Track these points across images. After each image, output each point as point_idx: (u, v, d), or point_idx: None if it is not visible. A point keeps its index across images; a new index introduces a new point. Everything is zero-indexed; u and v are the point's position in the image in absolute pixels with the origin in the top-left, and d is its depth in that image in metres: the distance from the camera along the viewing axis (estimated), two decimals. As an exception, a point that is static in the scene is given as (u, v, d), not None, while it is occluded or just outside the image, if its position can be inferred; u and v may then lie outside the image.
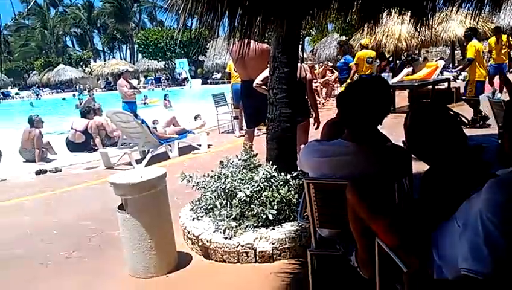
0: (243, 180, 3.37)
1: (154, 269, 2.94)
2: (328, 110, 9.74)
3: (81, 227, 4.19)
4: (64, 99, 33.85)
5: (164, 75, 39.73)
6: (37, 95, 37.63)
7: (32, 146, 7.67)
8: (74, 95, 35.00)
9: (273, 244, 3.01)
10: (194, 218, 3.52)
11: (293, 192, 3.25)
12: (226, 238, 3.08)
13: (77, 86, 40.49)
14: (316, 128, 4.52)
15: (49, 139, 8.45)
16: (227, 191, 3.36)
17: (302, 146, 3.75)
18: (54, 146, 8.44)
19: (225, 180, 3.41)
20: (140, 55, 41.25)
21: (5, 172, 6.93)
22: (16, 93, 40.28)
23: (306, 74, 4.57)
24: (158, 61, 37.54)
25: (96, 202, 4.94)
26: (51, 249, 3.71)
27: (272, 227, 3.15)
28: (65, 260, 3.47)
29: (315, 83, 10.94)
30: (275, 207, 3.14)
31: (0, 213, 4.90)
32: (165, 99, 18.32)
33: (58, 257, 3.52)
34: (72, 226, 4.24)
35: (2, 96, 36.51)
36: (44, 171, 6.82)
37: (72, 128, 8.43)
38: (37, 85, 42.87)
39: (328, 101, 12.66)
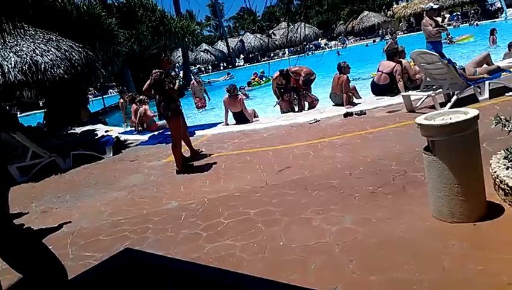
0: None
1: (460, 215, 2.81)
2: None
3: (385, 166, 4.41)
4: (367, 45, 35.25)
5: (473, 10, 35.23)
6: (343, 43, 40.69)
7: (341, 91, 8.45)
8: (374, 41, 35.88)
9: None
10: (508, 167, 3.11)
11: None
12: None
13: (379, 31, 41.22)
14: None
15: (354, 84, 9.10)
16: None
17: None
18: (359, 91, 9.06)
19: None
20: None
21: (319, 114, 7.98)
22: (325, 44, 44.79)
23: None
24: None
25: (398, 144, 5.07)
26: (358, 183, 4.10)
27: None
28: (370, 194, 3.77)
29: None
30: None
31: (316, 149, 5.72)
32: (491, 34, 16.21)
33: (364, 191, 3.87)
34: (376, 165, 4.53)
35: (313, 47, 41.37)
36: (351, 114, 7.45)
37: (378, 70, 8.77)
38: (342, 34, 46.27)
39: None
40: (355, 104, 8.42)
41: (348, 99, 8.39)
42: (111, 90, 30.74)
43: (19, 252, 1.32)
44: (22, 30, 7.27)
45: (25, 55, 7.43)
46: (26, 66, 7.31)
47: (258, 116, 9.29)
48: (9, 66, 7.20)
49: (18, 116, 11.31)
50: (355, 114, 7.41)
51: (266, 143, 6.69)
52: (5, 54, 7.30)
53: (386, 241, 2.88)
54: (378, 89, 8.73)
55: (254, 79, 19.57)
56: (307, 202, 3.87)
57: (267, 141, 6.87)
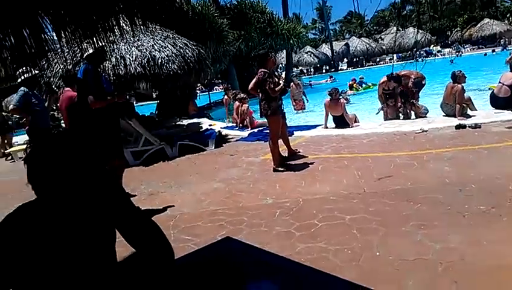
0: None
1: None
2: None
3: (500, 186, 4.00)
4: (485, 55, 32.25)
5: None
6: (458, 51, 37.72)
7: (454, 101, 7.83)
8: (493, 51, 32.69)
9: None
10: None
11: None
12: None
13: (501, 40, 37.51)
14: None
15: (470, 95, 8.38)
16: None
17: None
18: (475, 102, 8.32)
19: None
20: None
21: (427, 124, 7.49)
22: (438, 51, 41.93)
23: None
24: None
25: (519, 163, 4.55)
26: (468, 200, 3.76)
27: None
28: (482, 214, 3.44)
29: None
30: None
31: (421, 160, 5.37)
32: None
33: (475, 210, 3.54)
34: (490, 184, 4.12)
35: (425, 54, 38.98)
36: (464, 126, 6.87)
37: (499, 82, 7.98)
38: (457, 42, 42.91)
39: None
40: (469, 116, 7.75)
41: (461, 110, 7.75)
42: (216, 87, 32.31)
43: (135, 227, 1.43)
44: (144, 27, 7.99)
45: (144, 50, 8.12)
46: (145, 60, 7.98)
47: (358, 122, 9.03)
48: (131, 59, 7.92)
49: (134, 105, 12.41)
50: (469, 127, 6.82)
51: (366, 149, 6.48)
52: (128, 48, 8.05)
53: (498, 267, 2.60)
54: (497, 102, 7.93)
55: (353, 85, 19.08)
56: (408, 214, 3.66)
57: (367, 147, 6.64)
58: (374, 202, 4.10)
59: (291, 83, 14.71)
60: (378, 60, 45.08)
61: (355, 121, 8.93)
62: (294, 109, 14.17)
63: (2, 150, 10.97)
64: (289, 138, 6.98)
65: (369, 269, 2.83)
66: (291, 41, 23.80)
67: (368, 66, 42.37)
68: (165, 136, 8.33)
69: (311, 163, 5.97)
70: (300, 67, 46.49)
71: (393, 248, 3.08)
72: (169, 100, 14.19)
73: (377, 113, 9.63)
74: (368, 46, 45.91)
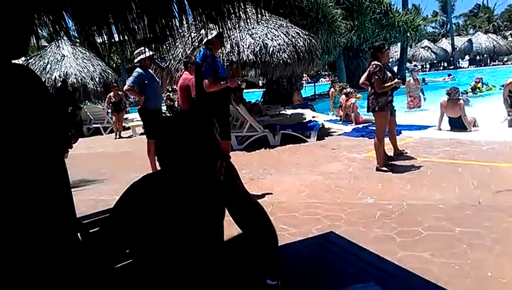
0: None
1: None
2: None
3: None
4: None
5: None
6: None
7: None
8: None
9: None
10: None
11: None
12: None
13: None
14: None
15: None
16: None
17: None
18: None
19: None
20: None
21: None
22: None
23: None
24: None
25: None
26: None
27: None
28: None
29: None
30: None
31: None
32: None
33: None
34: None
35: None
36: None
37: None
38: None
39: None
40: None
41: None
42: (322, 79, 31.93)
43: (243, 208, 1.47)
44: (260, 15, 8.15)
45: (258, 38, 8.31)
46: (258, 47, 8.16)
47: (478, 126, 8.20)
48: (244, 46, 8.16)
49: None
50: None
51: (484, 157, 5.86)
52: (243, 35, 8.30)
53: None
54: None
55: (476, 85, 17.31)
56: (532, 236, 3.24)
57: (486, 155, 6.00)
58: (489, 216, 3.70)
59: (410, 78, 13.89)
60: (505, 59, 40.41)
61: (474, 125, 8.13)
62: (408, 106, 13.34)
63: (117, 127, 11.83)
64: (397, 136, 6.61)
65: (479, 289, 2.57)
66: (407, 34, 22.45)
67: (493, 65, 38.23)
68: (269, 124, 8.48)
69: (420, 166, 5.58)
70: (414, 63, 43.75)
71: (509, 270, 2.75)
72: (275, 89, 14.40)
73: (502, 122, 8.50)
74: (494, 43, 41.32)
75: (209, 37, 4.56)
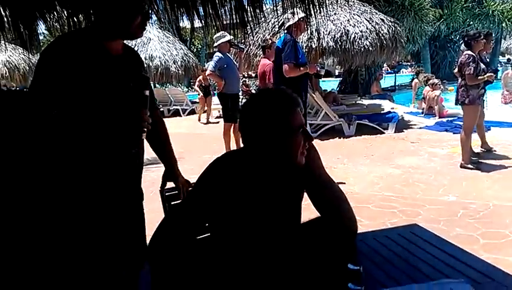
0: None
1: None
2: None
3: None
4: None
5: None
6: None
7: None
8: None
9: None
10: None
11: None
12: None
13: None
14: None
15: None
16: None
17: None
18: None
19: None
20: None
21: None
22: None
23: None
24: None
25: None
26: None
27: None
28: None
29: None
30: None
31: None
32: None
33: None
34: None
35: None
36: None
37: None
38: None
39: None
40: None
41: None
42: (404, 70, 30.45)
43: (323, 192, 1.45)
44: (344, 0, 7.94)
45: (339, 24, 8.10)
46: (339, 34, 7.97)
47: None
48: (325, 32, 8.00)
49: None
50: None
51: None
52: (324, 21, 8.13)
53: None
54: None
55: None
56: None
57: None
58: None
59: (507, 71, 12.76)
60: None
61: None
62: (503, 101, 12.25)
63: (207, 111, 11.86)
64: (486, 133, 6.13)
65: None
66: (503, 25, 20.55)
67: None
68: (344, 113, 8.28)
69: (510, 166, 5.14)
70: (507, 56, 40.05)
71: None
72: (352, 78, 13.99)
73: None
74: None
75: (291, 22, 4.52)
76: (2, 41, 3.34)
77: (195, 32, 26.38)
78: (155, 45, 13.08)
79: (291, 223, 1.57)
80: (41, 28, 3.17)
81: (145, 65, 2.52)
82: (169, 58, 13.04)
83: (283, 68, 4.51)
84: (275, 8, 7.89)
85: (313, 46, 7.88)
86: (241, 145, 1.52)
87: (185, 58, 13.55)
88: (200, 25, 3.28)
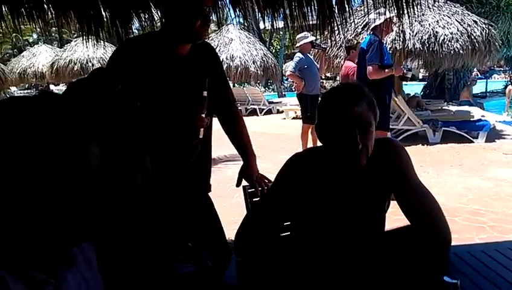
0: None
1: None
2: None
3: None
4: None
5: None
6: None
7: None
8: None
9: None
10: None
11: None
12: None
13: None
14: None
15: None
16: None
17: None
18: None
19: None
20: None
21: None
22: None
23: None
24: None
25: None
26: None
27: None
28: None
29: None
30: None
31: None
32: None
33: None
34: None
35: None
36: None
37: None
38: None
39: None
40: None
41: None
42: (496, 75, 28.13)
43: (416, 200, 1.39)
44: (432, 1, 7.51)
45: (427, 25, 7.67)
46: (426, 36, 7.55)
47: None
48: (411, 33, 7.62)
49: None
50: None
51: None
52: (411, 21, 7.75)
53: None
54: None
55: None
56: None
57: None
58: None
59: None
60: None
61: None
62: None
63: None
64: None
65: None
66: None
67: None
68: (429, 119, 7.84)
69: None
70: None
71: None
72: (438, 82, 13.21)
73: None
74: None
75: (378, 22, 4.38)
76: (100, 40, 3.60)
77: (274, 34, 26.66)
78: (236, 45, 13.40)
79: (375, 227, 1.52)
80: (136, 26, 3.38)
81: (225, 65, 2.57)
82: (249, 59, 13.29)
83: (367, 70, 4.38)
84: (359, 8, 7.75)
85: (398, 47, 7.55)
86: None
87: (264, 58, 13.72)
88: (281, 26, 3.28)
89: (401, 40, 7.51)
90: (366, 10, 7.14)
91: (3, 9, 3.10)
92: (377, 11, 4.07)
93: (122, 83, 1.24)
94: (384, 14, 4.14)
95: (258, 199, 1.97)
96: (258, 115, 13.23)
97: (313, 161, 1.47)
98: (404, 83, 11.37)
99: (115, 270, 1.07)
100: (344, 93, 1.42)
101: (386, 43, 7.29)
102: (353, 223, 1.44)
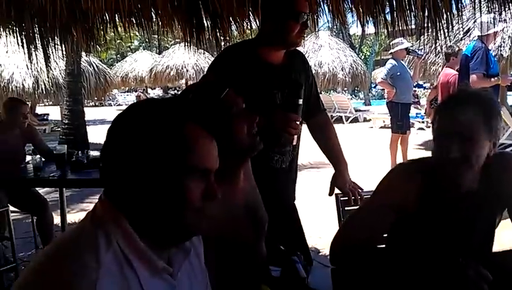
0: None
1: None
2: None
3: None
4: None
5: None
6: None
7: None
8: None
9: None
10: None
11: None
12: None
13: None
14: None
15: None
16: None
17: None
18: None
19: None
20: None
21: None
22: None
23: None
24: None
25: None
26: None
27: None
28: None
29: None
30: None
31: None
32: None
33: None
34: None
35: None
36: None
37: None
38: None
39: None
40: None
41: None
42: None
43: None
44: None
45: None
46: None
47: None
48: None
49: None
50: None
51: None
52: None
53: None
54: None
55: None
56: None
57: None
58: None
59: None
60: None
61: None
62: None
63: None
64: None
65: None
66: None
67: None
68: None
69: None
70: None
71: None
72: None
73: None
74: None
75: (491, 31, 4.07)
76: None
77: (365, 40, 26.01)
78: (325, 51, 13.31)
79: (483, 246, 1.41)
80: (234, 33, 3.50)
81: (313, 72, 2.55)
82: (337, 65, 13.12)
83: (470, 78, 4.09)
84: (460, 13, 7.24)
85: (504, 55, 6.94)
86: (408, 157, 1.43)
87: (353, 65, 13.46)
88: (372, 32, 3.18)
89: (508, 46, 6.90)
90: (468, 15, 6.70)
91: (116, 18, 3.42)
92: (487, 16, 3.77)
93: (229, 88, 1.31)
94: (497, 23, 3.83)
95: (351, 207, 1.94)
96: (343, 123, 12.99)
97: (419, 172, 1.41)
98: (508, 93, 10.38)
99: (218, 267, 1.12)
100: (452, 100, 1.37)
101: (491, 50, 6.75)
102: (459, 240, 1.36)
